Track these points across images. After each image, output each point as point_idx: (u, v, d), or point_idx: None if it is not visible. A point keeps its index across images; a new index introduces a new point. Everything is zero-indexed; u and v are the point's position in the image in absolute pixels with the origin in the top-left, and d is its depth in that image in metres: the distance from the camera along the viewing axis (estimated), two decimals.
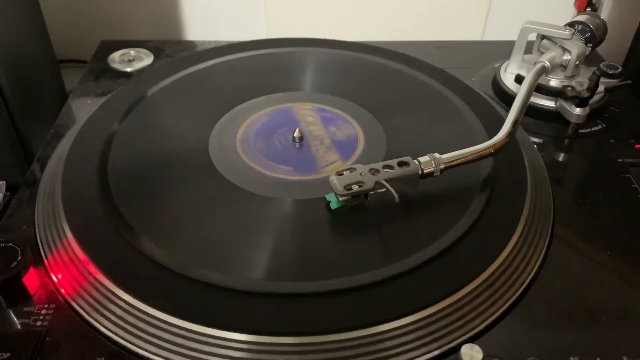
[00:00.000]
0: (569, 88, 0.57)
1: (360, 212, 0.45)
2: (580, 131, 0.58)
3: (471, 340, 0.38)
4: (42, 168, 0.53)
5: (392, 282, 0.39)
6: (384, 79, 0.61)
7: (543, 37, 0.61)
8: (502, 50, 0.68)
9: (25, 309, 0.40)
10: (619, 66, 0.60)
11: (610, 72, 0.59)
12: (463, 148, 0.46)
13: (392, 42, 0.71)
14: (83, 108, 0.62)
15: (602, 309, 0.41)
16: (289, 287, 0.39)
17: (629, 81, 0.59)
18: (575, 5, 0.65)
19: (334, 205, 0.45)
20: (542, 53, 0.60)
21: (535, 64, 0.57)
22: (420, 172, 0.44)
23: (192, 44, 0.75)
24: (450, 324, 0.38)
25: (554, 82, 0.60)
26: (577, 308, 0.41)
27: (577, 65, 0.59)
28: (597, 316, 0.41)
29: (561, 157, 0.56)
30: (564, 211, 0.49)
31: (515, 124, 0.49)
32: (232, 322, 0.37)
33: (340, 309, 0.38)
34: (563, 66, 0.59)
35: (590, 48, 0.61)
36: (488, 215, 0.45)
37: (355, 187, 0.43)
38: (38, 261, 0.43)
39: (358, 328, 0.37)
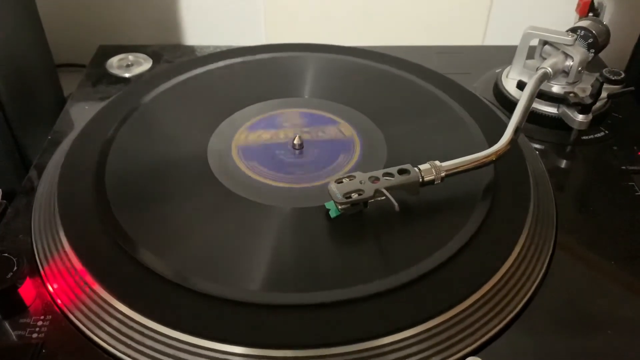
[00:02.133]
0: (571, 94, 0.57)
1: (359, 220, 0.44)
2: (582, 138, 0.57)
3: (475, 352, 0.38)
4: (40, 175, 0.52)
5: (394, 294, 0.39)
6: (384, 85, 0.61)
7: (545, 42, 0.60)
8: (503, 55, 0.67)
9: (21, 321, 0.40)
10: (621, 72, 0.59)
11: (613, 78, 0.59)
12: (464, 155, 0.46)
13: (392, 47, 0.70)
14: (81, 113, 0.61)
15: (607, 319, 0.41)
16: (287, 299, 0.38)
17: (632, 87, 0.59)
18: (577, 10, 0.64)
19: (333, 214, 0.44)
20: (544, 59, 0.59)
21: (537, 70, 0.56)
22: (420, 180, 0.44)
23: (191, 49, 0.74)
24: (453, 336, 0.38)
25: (556, 88, 0.59)
26: (581, 319, 0.41)
27: (579, 72, 0.58)
28: (601, 327, 0.40)
29: (564, 164, 0.55)
30: (567, 219, 0.48)
31: (517, 130, 0.48)
32: (230, 335, 0.36)
33: (340, 321, 0.37)
34: (565, 72, 0.59)
35: (592, 54, 0.60)
36: (490, 224, 0.44)
37: (354, 196, 0.42)
38: (34, 271, 0.43)
39: (359, 341, 0.36)
